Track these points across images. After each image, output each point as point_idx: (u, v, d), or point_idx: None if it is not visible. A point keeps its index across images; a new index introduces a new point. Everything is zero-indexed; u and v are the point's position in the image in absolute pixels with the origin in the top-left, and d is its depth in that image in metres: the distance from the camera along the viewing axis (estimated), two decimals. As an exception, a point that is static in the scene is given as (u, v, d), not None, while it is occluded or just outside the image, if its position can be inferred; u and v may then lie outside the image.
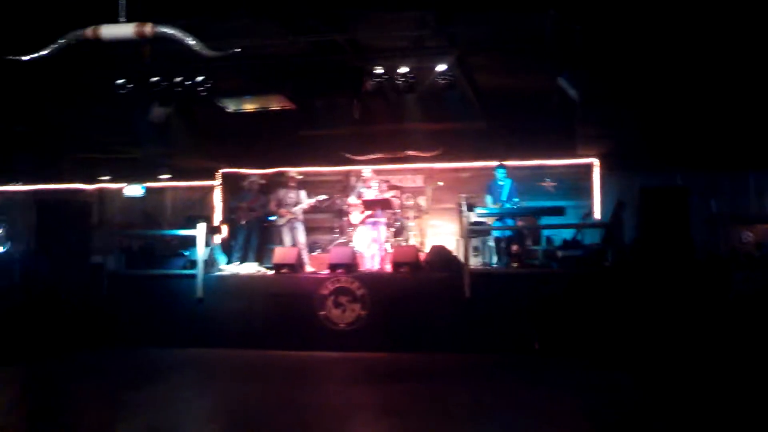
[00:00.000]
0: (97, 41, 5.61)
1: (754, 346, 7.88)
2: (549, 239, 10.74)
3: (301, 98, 10.99)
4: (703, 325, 8.08)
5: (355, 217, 11.02)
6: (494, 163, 11.28)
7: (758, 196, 12.46)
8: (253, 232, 11.38)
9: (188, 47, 5.87)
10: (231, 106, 11.24)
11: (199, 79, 9.84)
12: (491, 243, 10.57)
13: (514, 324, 8.67)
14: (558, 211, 9.77)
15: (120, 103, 10.52)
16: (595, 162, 12.40)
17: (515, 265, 9.93)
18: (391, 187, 11.69)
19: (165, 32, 5.69)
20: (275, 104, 11.14)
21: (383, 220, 10.79)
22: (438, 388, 7.13)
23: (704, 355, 7.81)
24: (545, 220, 10.33)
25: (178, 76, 9.84)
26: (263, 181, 12.00)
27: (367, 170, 11.21)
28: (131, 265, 10.58)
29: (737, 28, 8.48)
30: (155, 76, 9.88)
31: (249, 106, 11.32)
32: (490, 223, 10.47)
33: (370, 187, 11.08)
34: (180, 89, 9.95)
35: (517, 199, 10.58)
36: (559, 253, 9.40)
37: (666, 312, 8.12)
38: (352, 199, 11.13)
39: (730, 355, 7.81)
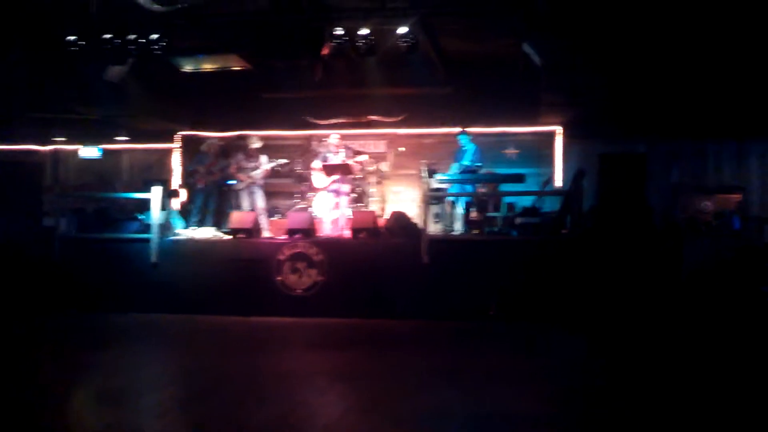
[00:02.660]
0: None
1: (706, 310, 7.98)
2: (511, 206, 10.74)
3: (260, 59, 10.75)
4: (657, 290, 8.16)
5: (318, 181, 10.88)
6: (457, 130, 11.20)
7: (717, 166, 12.58)
8: (211, 196, 11.23)
9: (135, 2, 5.63)
10: (187, 66, 10.97)
11: (153, 37, 9.52)
12: (459, 210, 10.53)
13: (472, 290, 8.65)
14: (518, 179, 9.73)
15: (73, 61, 10.19)
16: (558, 130, 12.39)
17: (475, 231, 9.90)
18: (357, 153, 11.55)
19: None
20: (233, 65, 10.88)
21: (345, 186, 10.67)
22: (395, 354, 7.10)
23: (658, 318, 7.91)
24: (505, 187, 10.26)
25: (131, 34, 9.51)
26: (222, 144, 11.78)
27: (334, 136, 11.03)
28: (84, 228, 10.36)
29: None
30: (107, 33, 9.54)
31: (206, 66, 11.05)
32: (447, 188, 10.40)
33: (336, 153, 10.91)
34: (134, 47, 9.63)
35: (480, 164, 10.51)
36: (518, 220, 9.38)
37: (622, 278, 8.17)
38: (315, 164, 10.98)
39: (682, 319, 7.92)
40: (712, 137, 12.37)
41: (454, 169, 10.74)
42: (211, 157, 11.37)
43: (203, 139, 11.88)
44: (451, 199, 10.62)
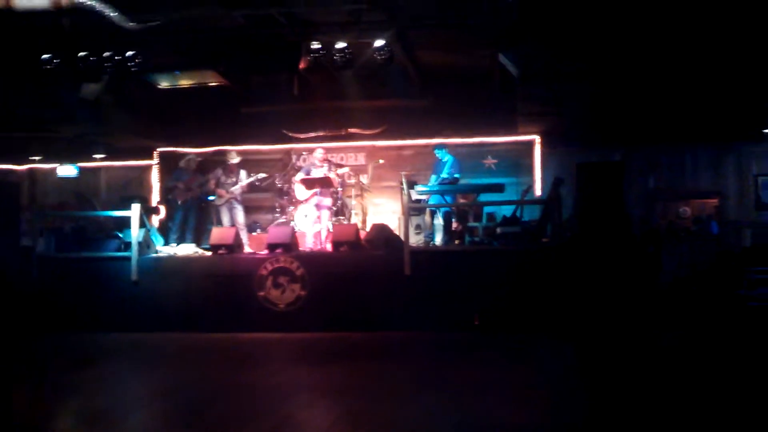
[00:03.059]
0: (9, 11, 5.31)
1: (686, 314, 8.07)
2: (492, 216, 10.80)
3: (237, 74, 10.76)
4: (638, 296, 8.22)
5: (300, 194, 10.87)
6: (436, 141, 11.26)
7: (694, 171, 12.74)
8: (191, 213, 11.22)
9: (109, 19, 5.62)
10: (164, 83, 10.96)
11: (129, 54, 9.48)
12: (439, 221, 10.56)
13: (455, 301, 8.68)
14: (497, 188, 9.77)
15: (49, 80, 10.12)
16: (537, 139, 12.47)
17: (456, 242, 9.95)
18: (338, 166, 11.57)
19: (82, 2, 5.43)
20: (210, 80, 10.88)
21: (326, 199, 10.66)
22: (379, 366, 7.10)
23: (640, 324, 7.96)
24: (485, 197, 10.32)
25: (107, 51, 9.47)
26: (200, 159, 11.75)
27: (319, 151, 11.04)
28: (62, 247, 10.27)
29: (674, 7, 8.59)
30: (82, 51, 9.49)
31: (183, 83, 11.05)
32: (427, 199, 10.44)
33: (320, 167, 10.91)
34: (109, 65, 9.59)
35: (458, 175, 10.56)
36: (499, 230, 9.43)
37: (603, 285, 8.22)
38: (298, 177, 10.97)
39: (663, 324, 8.00)
40: (689, 143, 12.54)
41: (432, 181, 10.79)
42: (189, 173, 11.34)
43: (181, 156, 11.84)
44: (431, 210, 10.64)
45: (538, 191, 12.04)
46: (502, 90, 11.65)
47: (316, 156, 10.98)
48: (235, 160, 10.97)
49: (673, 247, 11.00)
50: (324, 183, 10.52)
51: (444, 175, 10.55)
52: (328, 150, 12.17)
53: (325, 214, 10.61)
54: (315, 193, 10.64)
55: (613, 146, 12.38)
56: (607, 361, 6.97)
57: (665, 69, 10.24)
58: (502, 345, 8.03)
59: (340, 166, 11.63)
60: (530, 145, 12.53)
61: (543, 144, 12.45)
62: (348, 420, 5.19)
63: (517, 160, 12.54)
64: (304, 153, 11.95)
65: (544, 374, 6.60)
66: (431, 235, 10.61)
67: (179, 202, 11.12)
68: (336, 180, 10.89)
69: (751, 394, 5.67)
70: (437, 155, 10.81)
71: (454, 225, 10.13)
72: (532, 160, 12.48)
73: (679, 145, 12.59)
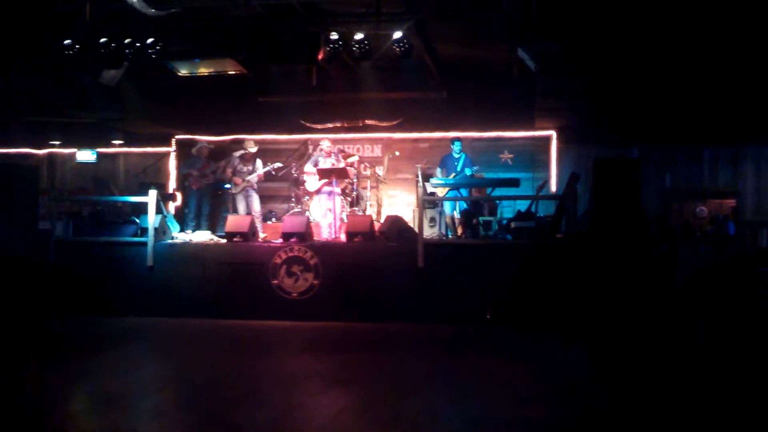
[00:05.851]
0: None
1: (700, 315, 8.00)
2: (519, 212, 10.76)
3: (255, 64, 10.78)
4: (652, 295, 8.18)
5: (311, 185, 10.90)
6: (453, 134, 11.24)
7: (712, 171, 12.64)
8: (204, 199, 11.29)
9: (130, 5, 5.66)
10: (183, 70, 10.99)
11: (149, 41, 9.53)
12: (454, 214, 10.57)
13: (467, 295, 8.67)
14: (512, 183, 9.75)
15: (69, 65, 10.20)
16: (553, 135, 12.42)
17: (470, 236, 9.94)
18: (347, 156, 11.58)
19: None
20: (229, 69, 10.92)
21: (338, 189, 10.69)
22: (390, 358, 7.12)
23: (653, 324, 7.92)
24: (500, 192, 10.31)
25: (127, 38, 9.53)
26: (212, 147, 11.80)
27: (325, 142, 11.05)
28: (80, 232, 10.38)
29: (696, 2, 8.52)
30: (103, 38, 9.55)
31: (202, 71, 11.09)
32: (442, 194, 10.42)
33: (328, 158, 10.92)
34: (129, 51, 9.65)
35: (470, 170, 10.52)
36: (513, 225, 9.40)
37: (616, 282, 8.18)
38: (308, 167, 10.99)
39: (677, 324, 7.94)
40: (707, 142, 12.43)
41: (438, 173, 10.76)
42: (202, 161, 11.40)
43: (199, 143, 11.89)
44: (446, 203, 10.63)
45: (553, 187, 12.01)
46: (520, 84, 11.62)
47: (323, 147, 10.99)
48: (252, 149, 11.00)
49: (688, 246, 10.92)
50: (339, 173, 10.53)
51: (468, 171, 10.50)
52: (341, 141, 12.22)
53: (339, 204, 10.61)
54: (328, 183, 10.63)
55: (631, 143, 12.32)
56: (619, 360, 6.96)
57: (685, 66, 10.16)
58: (512, 340, 8.03)
59: (349, 155, 11.65)
60: (547, 140, 12.48)
61: (560, 139, 12.40)
62: (355, 411, 5.23)
63: (534, 155, 12.50)
64: (319, 143, 11.95)
65: (553, 371, 6.58)
66: (448, 231, 10.60)
67: (194, 189, 11.18)
68: (351, 171, 10.90)
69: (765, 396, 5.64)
70: (454, 149, 10.77)
71: (457, 219, 10.15)
72: (548, 155, 12.43)
73: (697, 144, 12.48)
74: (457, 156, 10.72)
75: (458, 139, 10.93)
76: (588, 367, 6.76)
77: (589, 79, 10.63)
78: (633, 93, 10.80)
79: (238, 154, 11.03)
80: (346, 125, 12.81)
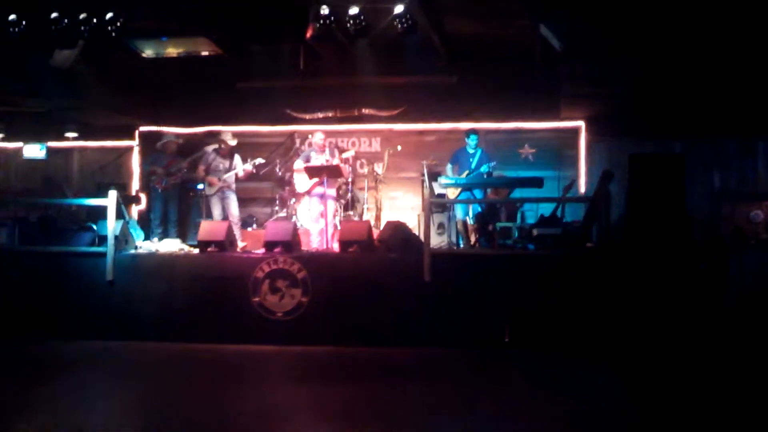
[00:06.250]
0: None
1: (757, 336, 7.98)
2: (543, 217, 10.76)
3: (234, 43, 10.77)
4: (699, 314, 8.15)
5: (299, 185, 10.88)
6: (464, 126, 11.23)
7: (768, 169, 12.61)
8: (171, 203, 11.31)
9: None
10: (148, 50, 11.00)
11: (108, 16, 9.51)
12: (467, 219, 10.56)
13: (482, 314, 8.66)
14: (535, 183, 9.74)
15: (15, 46, 10.18)
16: (582, 126, 12.42)
17: (485, 245, 9.93)
18: (342, 150, 11.56)
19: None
20: (202, 49, 10.91)
21: (331, 191, 10.67)
22: (392, 390, 7.04)
23: (698, 349, 7.89)
24: (520, 193, 10.28)
25: (82, 13, 9.51)
26: (181, 141, 11.78)
27: (318, 135, 11.03)
28: (27, 240, 10.37)
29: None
30: (54, 12, 9.53)
31: (170, 51, 11.09)
32: (454, 195, 10.41)
33: (321, 153, 10.90)
34: (85, 28, 9.62)
35: (488, 166, 10.51)
36: (535, 231, 9.39)
37: (657, 300, 8.17)
38: (297, 164, 10.98)
39: (728, 351, 7.90)
40: (763, 134, 12.40)
41: (449, 171, 10.77)
42: (168, 156, 11.39)
43: (165, 137, 11.87)
44: (457, 206, 10.62)
45: (582, 187, 11.99)
46: (544, 67, 11.62)
47: (316, 141, 10.96)
48: (231, 142, 10.98)
49: (741, 256, 10.89)
50: (332, 172, 10.51)
51: (484, 169, 10.49)
52: (336, 134, 12.19)
53: (331, 207, 10.60)
54: (318, 183, 10.61)
55: (673, 136, 12.29)
56: (661, 392, 6.91)
57: (736, 43, 10.11)
58: (536, 366, 7.99)
59: (344, 150, 11.62)
60: (575, 132, 12.52)
61: (590, 132, 12.43)
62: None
63: (559, 150, 12.55)
64: (309, 136, 11.94)
65: (585, 403, 6.53)
66: (459, 240, 10.59)
67: (159, 190, 11.18)
68: (345, 169, 10.89)
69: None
70: (469, 143, 10.74)
71: (470, 225, 10.15)
72: (576, 150, 12.47)
73: (751, 136, 12.45)
74: (472, 151, 10.72)
75: (474, 131, 10.93)
76: (625, 399, 6.71)
77: (624, 61, 10.61)
78: (677, 76, 10.77)
79: (211, 148, 11.01)
80: (339, 115, 12.84)
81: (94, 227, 10.16)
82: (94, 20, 9.60)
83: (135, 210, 12.33)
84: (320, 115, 12.90)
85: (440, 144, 12.44)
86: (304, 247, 10.13)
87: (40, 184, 13.41)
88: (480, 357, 8.30)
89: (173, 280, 9.36)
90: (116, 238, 9.50)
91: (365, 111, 12.82)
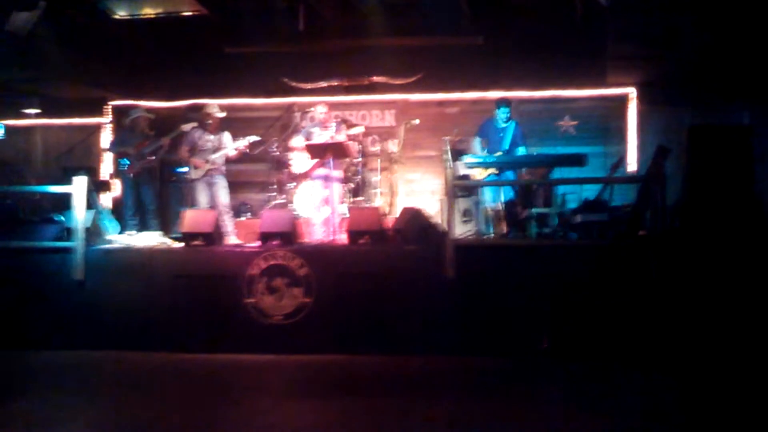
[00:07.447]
0: None
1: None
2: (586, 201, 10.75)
3: (221, 2, 10.76)
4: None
5: (299, 166, 10.89)
6: (492, 95, 11.19)
7: None
8: (145, 189, 11.34)
9: None
10: (120, 11, 11.02)
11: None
12: (500, 206, 10.56)
13: (515, 316, 8.67)
14: (577, 161, 9.74)
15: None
16: (632, 93, 12.38)
17: (518, 234, 9.92)
18: (350, 126, 11.56)
19: None
20: (184, 9, 10.92)
21: (337, 172, 10.67)
22: (407, 403, 7.08)
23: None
24: (559, 173, 10.28)
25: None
26: (152, 116, 11.79)
27: (320, 107, 11.02)
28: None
29: None
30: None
31: (147, 12, 11.11)
32: (482, 177, 10.40)
33: (325, 129, 10.89)
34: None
35: (524, 149, 10.51)
36: (578, 218, 9.37)
37: (723, 296, 8.12)
38: (296, 142, 10.97)
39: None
40: None
41: (476, 148, 10.74)
42: (138, 135, 11.40)
43: (133, 111, 11.87)
44: (485, 189, 10.61)
45: (633, 165, 11.95)
46: (586, 24, 11.55)
47: (317, 114, 10.94)
48: (218, 114, 10.94)
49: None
50: (337, 150, 10.50)
51: (505, 148, 10.49)
52: (342, 105, 12.17)
53: (337, 192, 10.60)
54: (321, 164, 10.61)
55: (740, 104, 12.23)
56: (729, 406, 6.87)
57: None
58: (580, 378, 7.97)
59: (353, 125, 11.61)
60: (623, 101, 12.54)
61: (641, 100, 12.41)
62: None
63: (605, 122, 12.59)
64: (311, 109, 11.93)
65: (639, 419, 6.52)
66: (489, 228, 10.58)
67: (130, 176, 11.24)
68: (353, 147, 10.87)
69: None
70: (499, 115, 10.72)
71: (517, 211, 10.11)
72: (625, 122, 12.49)
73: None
74: (503, 125, 10.70)
75: (506, 101, 10.91)
76: (688, 417, 6.68)
77: (683, 16, 10.52)
78: (744, 35, 10.68)
79: (191, 126, 10.96)
80: (345, 84, 12.82)
81: (61, 219, 10.23)
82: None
83: (108, 198, 12.34)
84: (323, 84, 12.90)
85: (464, 117, 12.46)
86: (305, 239, 10.14)
87: (-4, 168, 13.49)
88: (512, 367, 8.32)
89: (153, 279, 9.43)
90: (87, 231, 9.57)
91: (376, 79, 12.83)
